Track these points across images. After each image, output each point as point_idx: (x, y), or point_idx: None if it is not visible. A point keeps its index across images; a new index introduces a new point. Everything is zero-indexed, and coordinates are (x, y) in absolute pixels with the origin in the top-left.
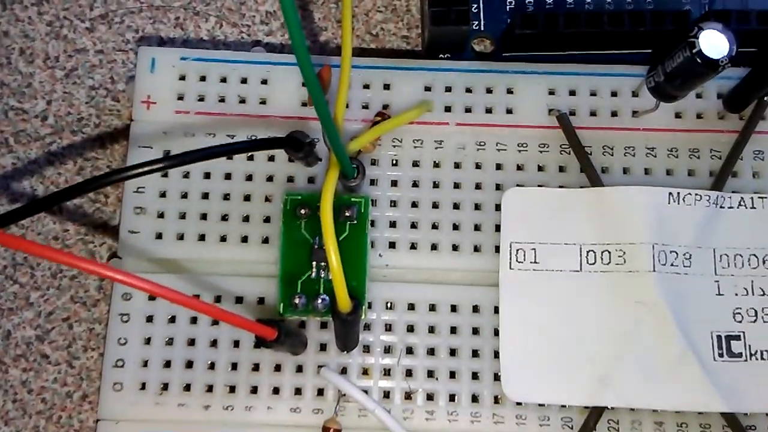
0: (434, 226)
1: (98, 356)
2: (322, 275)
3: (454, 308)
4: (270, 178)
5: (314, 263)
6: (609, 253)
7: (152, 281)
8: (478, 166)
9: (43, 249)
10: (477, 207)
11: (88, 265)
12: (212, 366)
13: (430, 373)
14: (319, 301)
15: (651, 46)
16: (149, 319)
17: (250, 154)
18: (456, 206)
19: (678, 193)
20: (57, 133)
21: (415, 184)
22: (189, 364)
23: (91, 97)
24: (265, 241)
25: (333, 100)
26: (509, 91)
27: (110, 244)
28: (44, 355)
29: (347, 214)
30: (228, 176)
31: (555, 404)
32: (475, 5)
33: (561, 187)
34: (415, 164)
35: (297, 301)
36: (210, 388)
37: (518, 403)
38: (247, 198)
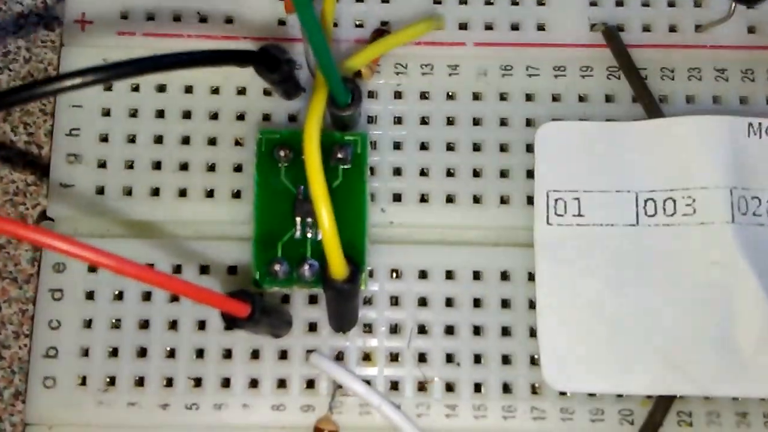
0: (449, 173)
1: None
2: (309, 234)
3: (476, 275)
4: (240, 117)
5: (298, 219)
6: (674, 201)
7: (91, 246)
8: (503, 97)
9: None
10: (503, 148)
11: (9, 226)
12: (171, 354)
13: (449, 358)
14: (306, 267)
15: None
16: (89, 296)
17: (214, 85)
18: (476, 148)
19: (760, 123)
20: None
21: (424, 121)
22: (142, 352)
23: (18, 26)
24: (236, 195)
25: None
26: (540, 2)
27: (45, 206)
28: None
29: (339, 156)
30: (187, 114)
31: (609, 394)
32: None
33: (609, 120)
34: (424, 96)
35: (277, 268)
36: (169, 382)
37: (562, 394)
38: (211, 141)
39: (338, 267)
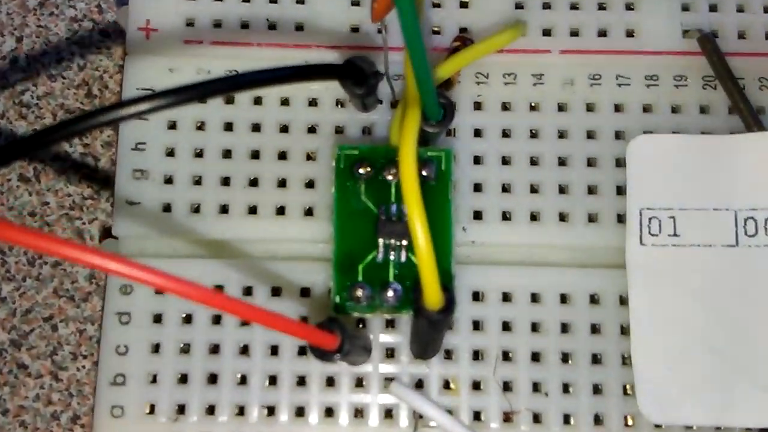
0: (533, 190)
1: (92, 366)
2: (392, 257)
3: (564, 298)
4: (312, 129)
5: (381, 241)
6: None
7: (158, 270)
8: (590, 109)
9: (12, 231)
10: (591, 163)
11: (70, 250)
12: (243, 380)
13: (536, 387)
14: (390, 292)
15: None
16: (157, 319)
17: (284, 96)
18: (562, 162)
19: None
20: (30, 79)
21: (506, 134)
22: (212, 379)
23: (72, 32)
24: (308, 212)
25: (394, 24)
26: (629, 7)
27: (103, 220)
28: (22, 365)
29: (423, 173)
30: (256, 127)
31: (709, 426)
32: None
33: (704, 133)
34: (506, 107)
35: (359, 293)
36: (241, 411)
37: (658, 426)
38: (282, 156)
39: (435, 297)
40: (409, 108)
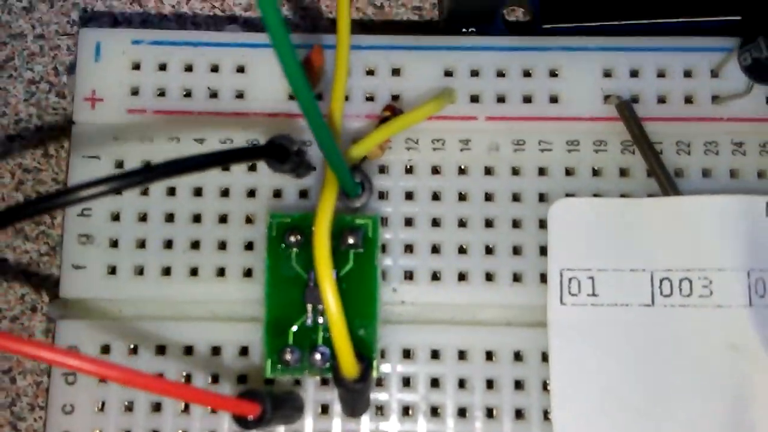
0: (461, 250)
1: None
2: (321, 321)
3: (489, 356)
4: (251, 193)
5: (309, 306)
6: (690, 282)
7: (93, 359)
8: (515, 172)
9: None
10: (516, 224)
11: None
12: None
13: None
14: (318, 355)
15: (739, 11)
16: (101, 408)
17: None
18: (489, 224)
19: None
20: None
21: (435, 197)
22: None
23: (30, 93)
24: (248, 273)
25: (328, 92)
26: (553, 74)
27: (58, 278)
28: None
29: (350, 241)
30: (198, 192)
31: None
32: None
33: (623, 196)
34: (436, 171)
35: (288, 356)
36: None
37: None
38: (222, 219)
39: (349, 367)
40: (325, 187)
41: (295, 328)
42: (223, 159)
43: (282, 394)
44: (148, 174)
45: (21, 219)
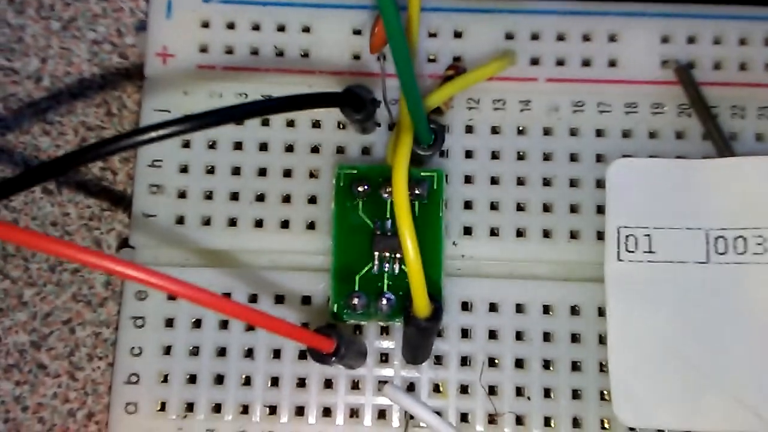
0: (520, 208)
1: (106, 366)
2: (387, 269)
3: (546, 309)
4: (315, 149)
5: (376, 254)
6: (744, 239)
7: (171, 277)
8: (573, 133)
9: (36, 238)
10: (573, 183)
11: (90, 257)
12: (247, 381)
13: (519, 391)
14: (384, 301)
15: None
16: (169, 323)
17: (289, 119)
18: (546, 183)
19: None
20: (54, 97)
21: (495, 156)
22: (219, 380)
23: (93, 53)
24: (311, 226)
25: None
26: (612, 38)
27: (120, 231)
28: (41, 365)
29: (417, 191)
30: (263, 147)
31: (680, 430)
32: None
33: (679, 158)
34: (495, 131)
35: (356, 301)
36: (245, 409)
37: (632, 429)
38: (287, 173)
39: (423, 306)
40: (402, 133)
41: (361, 274)
42: (300, 103)
43: (351, 336)
44: (223, 115)
45: (98, 158)
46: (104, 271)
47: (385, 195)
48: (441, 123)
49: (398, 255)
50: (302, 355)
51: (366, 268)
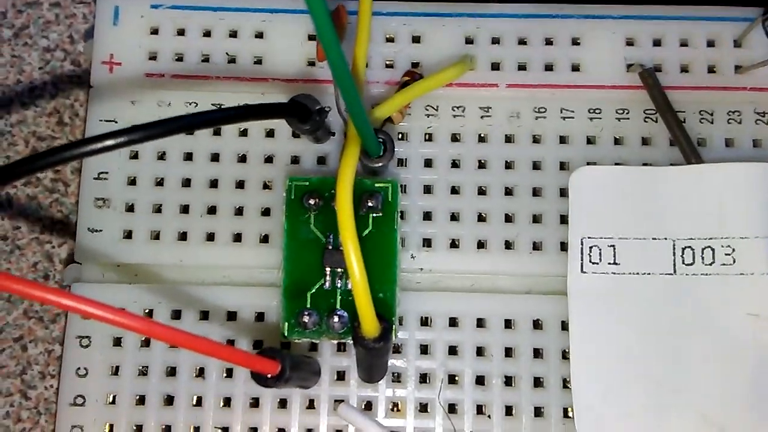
0: (481, 218)
1: (59, 385)
2: (339, 284)
3: (508, 324)
4: (269, 159)
5: (328, 269)
6: (712, 250)
7: (109, 307)
8: (536, 140)
9: None
10: (536, 192)
11: (23, 287)
12: (199, 402)
13: (480, 409)
14: (336, 318)
15: None
16: (117, 342)
17: (242, 127)
18: (508, 192)
19: None
20: (4, 107)
21: (455, 164)
22: (169, 401)
23: (45, 61)
24: (264, 239)
25: (349, 57)
26: (575, 42)
27: (72, 244)
28: None
29: (370, 203)
30: (215, 157)
31: None
32: None
33: (646, 164)
34: (455, 138)
35: (306, 319)
36: (197, 431)
37: None
38: (239, 185)
39: (370, 324)
40: (347, 144)
41: (313, 291)
42: (245, 114)
43: (300, 357)
44: (169, 125)
45: (40, 169)
46: (41, 301)
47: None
48: (390, 134)
49: None
50: (259, 382)
51: (318, 285)
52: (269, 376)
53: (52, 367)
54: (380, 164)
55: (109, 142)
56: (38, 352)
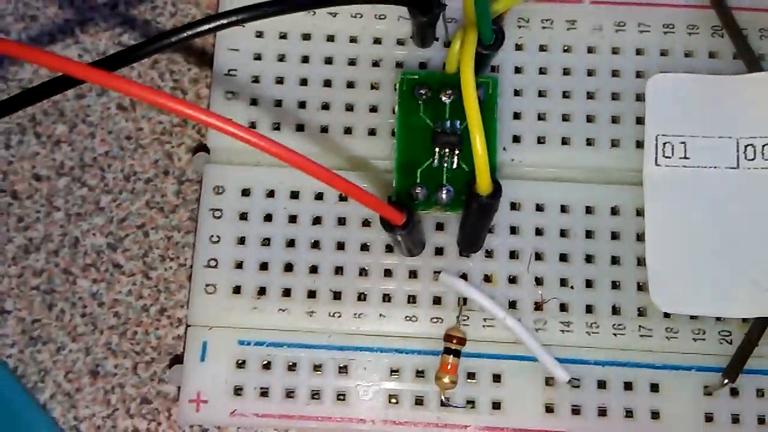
0: (565, 118)
1: (177, 267)
2: (446, 164)
3: (589, 210)
4: (376, 63)
5: (437, 150)
6: None
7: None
8: (615, 51)
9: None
10: (615, 97)
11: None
12: (314, 270)
13: (563, 282)
14: (444, 192)
15: None
16: (243, 216)
17: (353, 35)
18: (590, 96)
19: None
20: (127, 23)
21: (542, 71)
22: (288, 267)
23: None
24: (372, 133)
25: None
26: None
27: (189, 145)
28: (117, 265)
29: None
30: (329, 60)
31: (710, 316)
32: None
33: (712, 74)
34: (543, 48)
35: (417, 191)
36: (313, 294)
37: (667, 315)
38: (350, 85)
39: (485, 182)
40: (466, 30)
41: (423, 168)
42: None
43: (418, 221)
44: (290, 3)
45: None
46: (198, 121)
47: (444, 98)
48: (501, 26)
49: (457, 151)
50: (364, 247)
51: (427, 163)
52: (395, 224)
53: (172, 251)
54: (490, 52)
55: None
56: (159, 238)
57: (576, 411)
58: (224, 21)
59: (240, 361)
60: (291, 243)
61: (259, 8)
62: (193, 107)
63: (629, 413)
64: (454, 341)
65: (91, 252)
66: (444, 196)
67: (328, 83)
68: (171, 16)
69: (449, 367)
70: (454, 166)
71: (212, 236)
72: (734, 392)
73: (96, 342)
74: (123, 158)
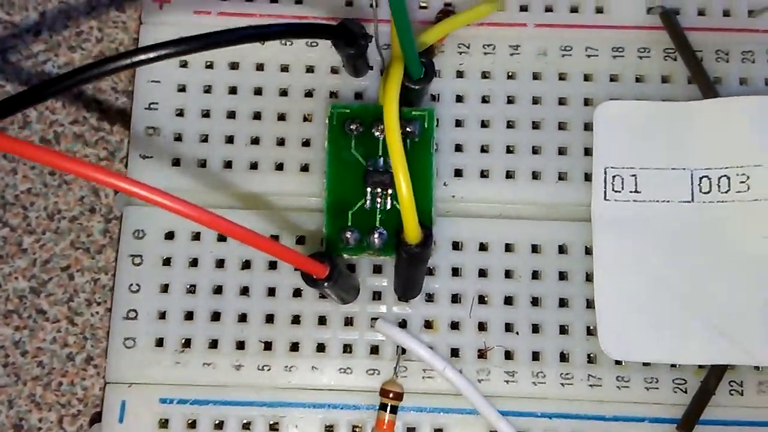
0: (509, 150)
1: (105, 312)
2: (379, 204)
3: (535, 248)
4: (309, 94)
5: (369, 189)
6: (728, 178)
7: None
8: (562, 77)
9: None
10: (561, 126)
11: (94, 172)
12: (243, 318)
13: (508, 327)
14: (376, 235)
15: None
16: (166, 261)
17: (284, 64)
18: (536, 126)
19: None
20: (52, 50)
21: (485, 100)
22: (215, 316)
23: (91, 6)
24: (305, 168)
25: None
26: None
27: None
28: (40, 311)
29: (408, 129)
30: (258, 91)
31: (664, 363)
32: None
33: (665, 100)
34: (485, 75)
35: (348, 235)
36: (241, 345)
37: (618, 362)
38: (281, 117)
39: (413, 231)
40: (392, 64)
41: (354, 210)
42: (296, 31)
43: (345, 268)
44: (219, 38)
45: (98, 77)
46: (107, 185)
47: (377, 133)
48: (431, 59)
49: (390, 191)
50: (296, 293)
51: (359, 204)
52: (318, 278)
53: (98, 294)
54: (420, 87)
55: (157, 53)
56: (85, 281)
57: None
58: (142, 57)
59: (162, 420)
60: (218, 290)
61: (180, 44)
62: (101, 170)
63: None
64: (391, 395)
65: (13, 297)
66: (377, 240)
67: (257, 115)
68: (97, 41)
69: (385, 424)
70: (388, 206)
71: (131, 285)
72: None
73: (19, 393)
74: (46, 195)
